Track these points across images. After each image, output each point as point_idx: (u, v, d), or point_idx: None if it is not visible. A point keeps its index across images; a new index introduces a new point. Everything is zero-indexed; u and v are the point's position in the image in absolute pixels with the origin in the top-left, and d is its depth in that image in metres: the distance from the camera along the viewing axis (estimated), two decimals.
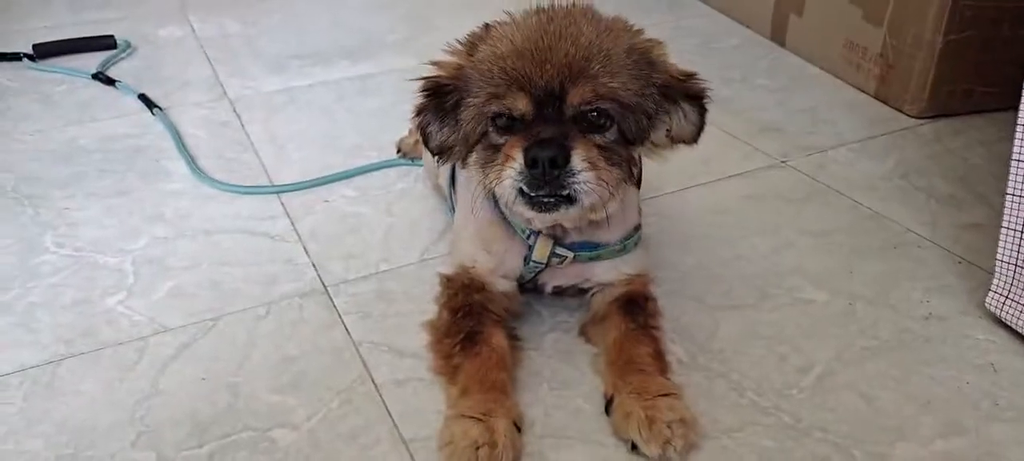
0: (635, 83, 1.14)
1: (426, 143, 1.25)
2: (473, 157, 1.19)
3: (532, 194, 1.11)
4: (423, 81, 1.21)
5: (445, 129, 1.22)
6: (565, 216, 1.17)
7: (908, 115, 2.18)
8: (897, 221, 1.70)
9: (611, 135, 1.14)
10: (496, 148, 1.14)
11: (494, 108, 1.13)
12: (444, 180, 1.55)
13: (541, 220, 1.22)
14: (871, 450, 1.14)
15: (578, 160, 1.09)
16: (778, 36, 2.65)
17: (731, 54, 2.61)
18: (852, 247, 1.61)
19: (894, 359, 1.31)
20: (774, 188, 1.84)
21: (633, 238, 1.33)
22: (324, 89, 2.35)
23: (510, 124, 1.13)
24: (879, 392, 1.25)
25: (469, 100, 1.16)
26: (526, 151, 1.08)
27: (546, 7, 1.18)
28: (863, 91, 2.32)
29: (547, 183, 1.09)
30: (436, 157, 1.28)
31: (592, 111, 1.11)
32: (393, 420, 1.19)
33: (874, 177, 1.88)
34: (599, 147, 1.12)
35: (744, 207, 1.76)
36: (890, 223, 1.70)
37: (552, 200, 1.11)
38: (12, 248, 1.61)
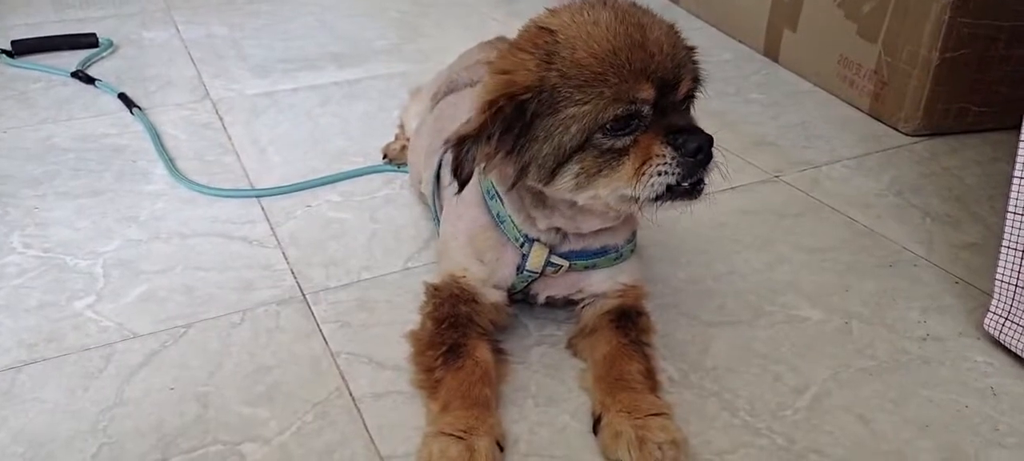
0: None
1: (457, 172, 1.09)
2: (570, 169, 1.08)
3: (688, 183, 1.08)
4: (497, 97, 1.07)
5: (507, 149, 1.10)
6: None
7: (902, 133, 2.16)
8: (893, 239, 1.67)
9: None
10: (615, 152, 1.07)
11: (615, 110, 1.05)
12: (427, 187, 1.50)
13: (687, 208, 1.14)
14: None
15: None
16: (771, 51, 2.63)
17: (724, 68, 2.58)
18: (847, 264, 1.58)
19: (891, 381, 1.27)
20: (768, 203, 1.80)
21: (630, 244, 1.30)
22: (310, 93, 2.30)
23: (627, 125, 1.06)
24: (876, 414, 1.20)
25: (568, 110, 1.05)
26: (675, 140, 1.06)
27: (596, 3, 1.12)
28: (857, 107, 2.30)
29: (701, 165, 1.08)
30: (455, 180, 1.12)
31: (690, 97, 1.15)
32: (370, 435, 1.14)
33: (869, 194, 1.85)
34: None
35: (738, 221, 1.72)
36: (886, 241, 1.66)
37: (704, 184, 1.11)
38: None
